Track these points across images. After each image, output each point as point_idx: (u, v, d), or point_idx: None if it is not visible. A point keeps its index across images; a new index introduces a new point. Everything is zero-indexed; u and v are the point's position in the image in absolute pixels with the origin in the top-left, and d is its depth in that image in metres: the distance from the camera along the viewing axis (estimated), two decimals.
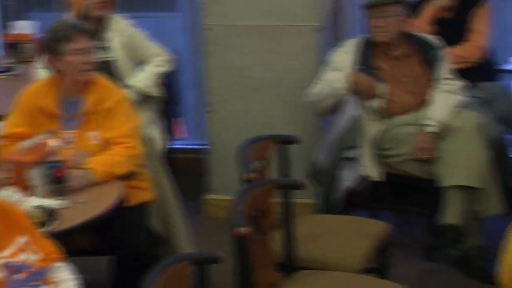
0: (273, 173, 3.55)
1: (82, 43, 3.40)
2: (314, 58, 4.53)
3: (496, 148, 4.05)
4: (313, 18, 4.51)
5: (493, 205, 3.96)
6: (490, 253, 3.73)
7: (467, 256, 3.97)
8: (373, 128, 4.10)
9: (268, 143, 3.53)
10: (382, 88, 4.11)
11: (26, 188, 3.12)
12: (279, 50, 4.57)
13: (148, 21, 5.03)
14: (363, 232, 3.46)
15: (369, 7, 4.13)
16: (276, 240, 3.19)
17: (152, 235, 3.65)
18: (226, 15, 4.59)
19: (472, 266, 3.97)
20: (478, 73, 4.55)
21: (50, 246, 2.64)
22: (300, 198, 3.69)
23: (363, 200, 4.22)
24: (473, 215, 3.97)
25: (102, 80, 3.55)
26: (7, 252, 2.53)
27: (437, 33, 4.46)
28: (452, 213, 3.91)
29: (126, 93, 3.90)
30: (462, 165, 3.89)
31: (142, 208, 3.51)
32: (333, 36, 4.80)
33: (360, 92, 4.09)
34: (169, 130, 4.68)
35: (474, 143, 3.93)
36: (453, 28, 4.59)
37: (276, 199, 3.17)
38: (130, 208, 3.37)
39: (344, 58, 4.19)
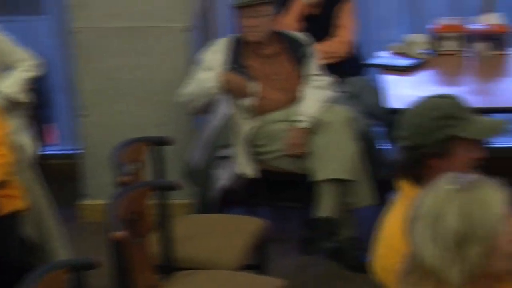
0: (148, 175, 3.54)
1: None
2: (184, 58, 4.54)
3: (365, 141, 4.17)
4: (182, 18, 4.52)
5: (364, 196, 4.07)
6: (363, 244, 3.83)
7: (341, 248, 4.07)
8: (246, 126, 4.14)
9: (141, 145, 3.51)
10: (254, 86, 4.16)
11: None
12: (149, 51, 4.55)
13: (14, 25, 4.90)
14: (240, 230, 3.50)
15: (241, 7, 4.16)
16: (153, 242, 3.18)
17: (26, 244, 3.57)
18: (94, 18, 4.54)
19: (347, 257, 4.08)
20: (345, 68, 4.66)
21: None
22: (177, 199, 3.69)
23: (240, 197, 4.26)
24: (346, 207, 4.07)
25: None
26: None
27: (305, 29, 4.54)
28: (325, 206, 3.99)
29: None
30: (334, 159, 3.98)
31: (14, 216, 3.42)
32: (203, 35, 4.82)
33: (231, 91, 4.12)
34: (40, 136, 4.58)
35: (344, 137, 4.02)
36: (320, 24, 4.68)
37: (152, 201, 3.16)
38: (1, 217, 3.29)
39: (215, 57, 4.21)
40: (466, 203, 1.90)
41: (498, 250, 1.90)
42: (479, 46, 4.65)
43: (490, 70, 4.55)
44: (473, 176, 1.97)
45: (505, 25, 4.69)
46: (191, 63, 4.43)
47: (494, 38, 4.66)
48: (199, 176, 4.15)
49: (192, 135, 4.46)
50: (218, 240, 3.42)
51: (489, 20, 4.73)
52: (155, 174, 3.54)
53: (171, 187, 3.15)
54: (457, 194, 1.92)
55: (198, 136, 4.25)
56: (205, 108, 4.17)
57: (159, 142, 3.57)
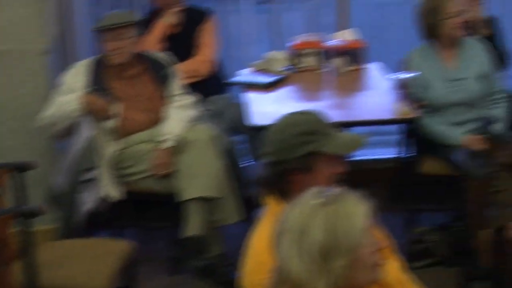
0: (10, 201, 3.45)
1: None
2: (43, 81, 4.44)
3: (230, 158, 4.21)
4: (39, 41, 4.43)
5: (231, 213, 4.09)
6: (232, 260, 3.86)
7: (210, 265, 4.08)
8: (110, 148, 4.10)
9: (1, 171, 3.42)
10: (116, 108, 4.12)
11: None
12: (7, 75, 4.43)
13: None
14: (107, 253, 3.45)
15: (104, 30, 4.12)
16: (17, 271, 3.10)
17: None
18: None
19: (216, 274, 4.08)
20: (208, 86, 4.69)
21: None
22: (41, 225, 3.60)
23: (106, 220, 4.20)
24: (213, 224, 4.08)
25: None
26: None
27: (168, 49, 4.55)
28: (193, 225, 3.99)
29: None
30: (199, 177, 3.99)
31: None
32: (63, 58, 4.74)
33: (93, 113, 4.07)
34: None
35: (209, 155, 4.04)
36: (182, 43, 4.70)
37: (15, 228, 3.08)
38: None
39: (75, 79, 4.15)
40: (330, 217, 1.94)
41: (361, 261, 1.96)
42: (337, 62, 4.78)
43: (348, 85, 4.68)
44: (337, 190, 2.02)
45: (359, 40, 4.84)
46: (51, 86, 4.35)
47: (350, 53, 4.80)
48: (63, 200, 4.07)
49: (55, 159, 4.37)
50: (85, 265, 3.36)
51: (345, 36, 4.87)
52: (17, 200, 3.46)
53: (34, 213, 3.08)
54: (322, 208, 1.96)
55: (61, 160, 4.17)
56: (68, 131, 4.11)
57: (21, 168, 3.49)
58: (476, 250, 3.47)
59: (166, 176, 4.08)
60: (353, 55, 4.80)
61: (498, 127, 4.22)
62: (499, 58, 4.45)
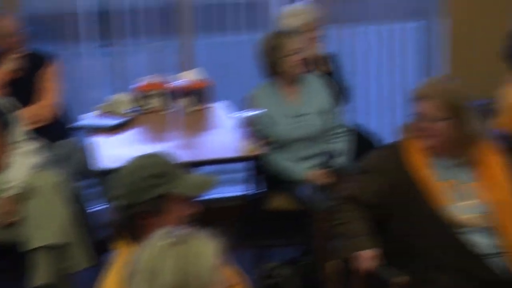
0: None
1: None
2: None
3: (77, 203, 4.14)
4: None
5: (80, 259, 4.01)
6: None
7: None
8: None
9: None
10: None
11: None
12: None
13: None
14: None
15: None
16: None
17: None
18: None
19: None
20: (53, 131, 4.62)
21: None
22: None
23: None
24: (62, 271, 3.99)
25: None
26: None
27: (10, 94, 4.45)
28: (41, 274, 3.88)
29: None
30: (46, 225, 3.90)
31: None
32: None
33: None
34: None
35: (55, 201, 3.96)
36: (24, 88, 4.62)
37: None
38: None
39: None
40: (179, 257, 1.95)
41: None
42: (183, 102, 4.81)
43: (194, 124, 4.72)
44: (186, 230, 2.04)
45: (204, 80, 4.90)
46: None
47: (195, 93, 4.85)
48: None
49: None
50: None
51: (190, 76, 4.92)
52: None
53: None
54: (171, 249, 1.97)
55: None
56: None
57: None
58: (324, 282, 3.55)
59: (11, 225, 3.97)
60: (199, 95, 4.85)
61: (340, 161, 4.37)
62: (339, 93, 4.61)
